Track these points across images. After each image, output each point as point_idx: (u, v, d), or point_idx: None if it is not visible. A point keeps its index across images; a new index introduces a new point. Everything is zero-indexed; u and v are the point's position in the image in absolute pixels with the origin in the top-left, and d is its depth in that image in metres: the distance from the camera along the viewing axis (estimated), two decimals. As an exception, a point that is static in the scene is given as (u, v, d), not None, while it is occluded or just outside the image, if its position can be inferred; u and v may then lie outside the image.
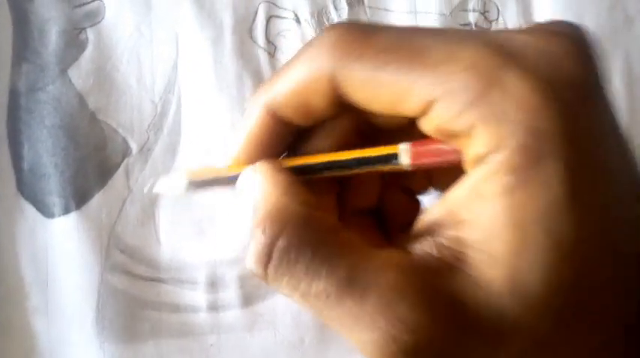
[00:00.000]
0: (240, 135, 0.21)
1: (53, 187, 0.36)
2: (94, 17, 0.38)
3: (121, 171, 0.37)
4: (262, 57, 0.38)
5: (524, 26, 0.19)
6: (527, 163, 0.16)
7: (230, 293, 0.36)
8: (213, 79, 0.37)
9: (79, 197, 0.36)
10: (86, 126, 0.37)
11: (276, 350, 0.36)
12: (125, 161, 0.37)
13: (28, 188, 0.36)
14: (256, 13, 0.38)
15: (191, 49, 0.38)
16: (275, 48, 0.38)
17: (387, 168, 0.20)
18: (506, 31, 0.18)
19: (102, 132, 0.37)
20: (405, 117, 0.19)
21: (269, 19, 0.39)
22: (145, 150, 0.37)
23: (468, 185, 0.17)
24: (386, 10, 0.39)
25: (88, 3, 0.38)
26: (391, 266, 0.18)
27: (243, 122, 0.21)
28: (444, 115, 0.17)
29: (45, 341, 0.36)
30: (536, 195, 0.16)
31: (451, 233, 0.18)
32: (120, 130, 0.37)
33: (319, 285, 0.17)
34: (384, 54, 0.18)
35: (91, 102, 0.37)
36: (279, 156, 0.21)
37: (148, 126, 0.37)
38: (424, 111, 0.18)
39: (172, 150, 0.37)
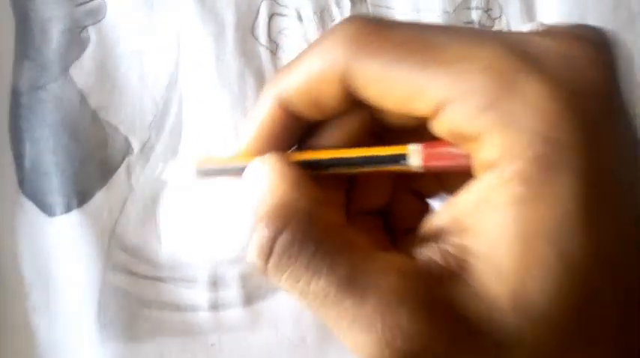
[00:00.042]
0: (251, 126, 0.21)
1: (54, 185, 0.36)
2: (96, 15, 0.38)
3: (122, 169, 0.37)
4: (264, 55, 0.38)
5: (544, 28, 0.18)
6: (541, 175, 0.16)
7: (231, 292, 0.36)
8: (215, 77, 0.37)
9: (80, 195, 0.36)
10: (88, 124, 0.37)
11: (277, 349, 0.36)
12: (127, 159, 0.37)
13: (29, 186, 0.36)
14: (258, 10, 0.38)
15: (193, 47, 0.38)
16: (277, 46, 0.38)
17: (395, 168, 0.20)
18: (527, 34, 0.18)
19: (103, 131, 0.37)
20: (417, 118, 0.18)
21: (271, 17, 0.38)
22: (147, 148, 0.37)
23: (477, 191, 0.17)
24: (388, 7, 0.39)
25: (90, 1, 0.38)
26: (394, 269, 0.17)
27: (254, 112, 0.21)
28: (456, 117, 0.17)
29: (46, 339, 0.35)
30: (548, 208, 0.15)
31: (456, 240, 0.17)
32: (121, 128, 0.37)
33: (319, 282, 0.17)
34: (400, 49, 0.17)
35: (93, 101, 0.37)
36: (288, 150, 0.21)
37: (150, 124, 0.37)
38: (436, 112, 0.17)
39: (174, 149, 0.37)
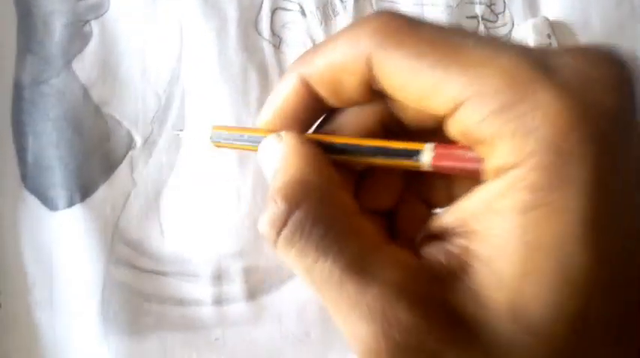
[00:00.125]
0: (273, 100, 0.21)
1: (57, 180, 0.36)
2: (98, 9, 0.38)
3: (125, 163, 0.37)
4: (267, 49, 0.38)
5: (566, 47, 0.18)
6: (549, 185, 0.16)
7: (235, 287, 0.36)
8: (218, 72, 0.37)
9: (83, 189, 0.36)
10: (90, 118, 0.37)
11: (281, 343, 0.36)
12: (129, 153, 0.37)
13: (32, 180, 0.36)
14: (261, 5, 0.38)
15: (195, 41, 0.38)
16: (280, 40, 0.38)
17: (406, 163, 0.20)
18: (546, 49, 0.18)
19: (106, 125, 0.37)
20: (433, 117, 0.18)
21: (274, 11, 0.38)
22: (149, 142, 0.37)
23: (485, 195, 0.17)
24: (392, 2, 0.39)
25: (93, -5, 0.38)
26: (399, 263, 0.18)
27: (279, 87, 0.21)
28: (470, 118, 0.17)
29: (49, 334, 0.35)
30: (553, 219, 0.16)
31: (461, 242, 0.18)
32: (124, 123, 0.37)
33: (326, 264, 0.17)
34: (424, 44, 0.18)
35: (95, 95, 0.37)
36: (306, 131, 0.21)
37: (152, 118, 0.37)
38: (452, 111, 0.17)
39: (176, 143, 0.37)
